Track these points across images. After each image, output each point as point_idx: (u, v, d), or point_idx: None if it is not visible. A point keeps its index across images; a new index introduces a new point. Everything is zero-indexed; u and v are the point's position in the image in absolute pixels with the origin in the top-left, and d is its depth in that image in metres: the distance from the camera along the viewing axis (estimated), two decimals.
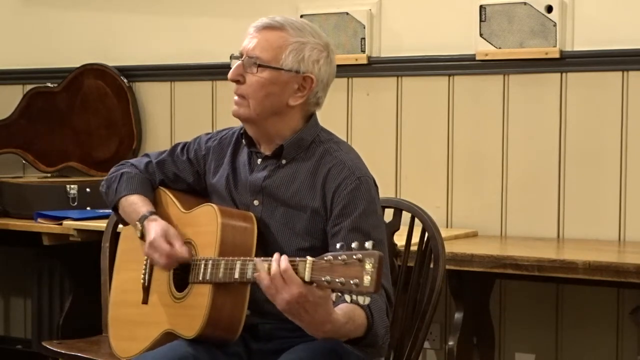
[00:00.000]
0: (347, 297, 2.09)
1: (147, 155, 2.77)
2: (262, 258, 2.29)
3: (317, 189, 2.47)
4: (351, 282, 2.06)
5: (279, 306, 2.19)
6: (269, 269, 2.20)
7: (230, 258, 2.37)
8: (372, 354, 2.44)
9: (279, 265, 2.18)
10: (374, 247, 2.09)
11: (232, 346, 2.48)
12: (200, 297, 2.43)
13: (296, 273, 2.16)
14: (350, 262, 2.07)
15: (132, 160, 2.78)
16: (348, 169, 2.46)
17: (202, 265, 2.43)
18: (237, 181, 2.59)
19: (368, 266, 2.05)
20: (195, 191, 2.67)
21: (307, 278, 2.14)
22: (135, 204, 2.63)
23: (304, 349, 2.41)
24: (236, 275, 2.34)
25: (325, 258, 2.12)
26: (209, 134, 2.72)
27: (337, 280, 2.08)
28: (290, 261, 2.19)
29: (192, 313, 2.44)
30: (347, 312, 2.26)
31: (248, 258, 2.34)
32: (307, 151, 2.52)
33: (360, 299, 2.08)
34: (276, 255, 2.21)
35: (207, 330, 2.40)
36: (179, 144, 2.73)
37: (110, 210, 2.84)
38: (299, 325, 2.23)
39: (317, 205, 2.46)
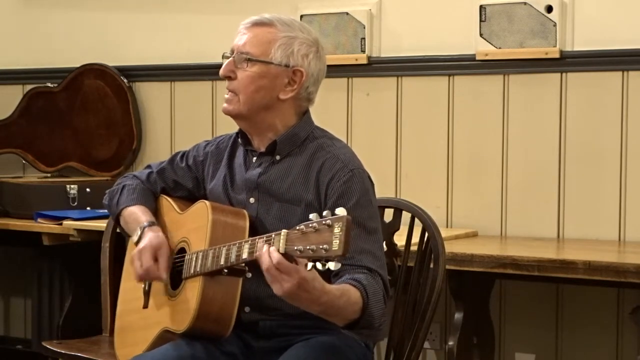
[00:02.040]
0: (319, 265, 2.09)
1: (149, 166, 2.81)
2: (245, 239, 2.31)
3: (311, 183, 2.49)
4: (321, 247, 2.07)
5: (277, 293, 2.18)
6: (260, 257, 2.19)
7: (218, 246, 2.39)
8: (369, 337, 2.44)
9: (270, 257, 2.16)
10: (347, 212, 2.08)
11: (230, 345, 2.49)
12: (191, 290, 2.45)
13: (271, 247, 2.16)
14: (321, 228, 2.08)
15: (135, 173, 2.81)
16: (341, 162, 2.48)
17: (193, 259, 2.46)
18: (234, 182, 2.61)
19: (337, 230, 2.06)
20: (196, 197, 2.69)
21: (281, 250, 2.14)
22: (135, 213, 2.66)
23: (304, 346, 2.42)
24: (222, 262, 2.35)
25: (297, 228, 2.13)
26: (207, 141, 2.75)
27: (308, 247, 2.09)
28: (267, 237, 2.20)
29: (183, 307, 2.46)
30: (341, 287, 2.27)
31: (232, 242, 2.35)
32: (301, 147, 2.54)
33: (332, 265, 2.07)
34: (265, 247, 2.19)
35: (198, 323, 2.41)
36: (178, 152, 2.77)
37: None
38: (295, 305, 2.22)
39: (311, 198, 2.48)
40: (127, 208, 2.69)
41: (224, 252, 2.36)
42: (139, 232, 2.58)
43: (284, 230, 2.15)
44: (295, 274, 2.14)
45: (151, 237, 2.55)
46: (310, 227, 2.10)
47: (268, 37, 2.51)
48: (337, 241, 2.05)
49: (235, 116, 2.55)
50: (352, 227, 2.07)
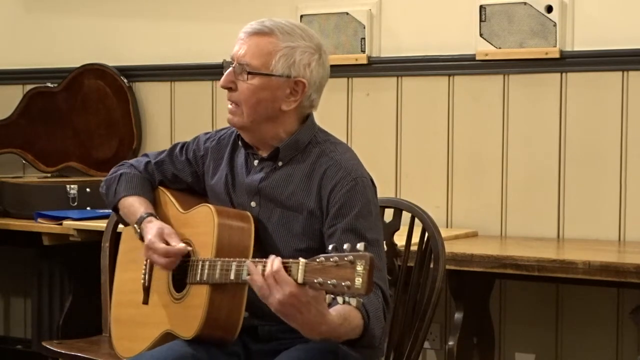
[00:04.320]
0: (340, 299, 2.09)
1: (146, 155, 2.77)
2: (255, 259, 2.29)
3: (313, 190, 2.47)
4: (343, 284, 2.06)
5: (272, 307, 2.18)
6: (263, 270, 2.20)
7: (227, 259, 2.37)
8: (369, 356, 2.44)
9: (271, 266, 2.17)
10: (366, 248, 2.08)
11: (231, 346, 2.48)
12: (198, 297, 2.43)
13: (289, 275, 2.15)
14: (342, 264, 2.07)
15: (132, 161, 2.78)
16: (344, 170, 2.45)
17: (200, 266, 2.43)
18: (235, 183, 2.59)
19: (359, 268, 2.05)
20: (195, 191, 2.67)
21: (300, 280, 2.13)
22: (133, 205, 2.63)
23: (301, 349, 2.41)
24: (232, 277, 2.34)
25: (317, 260, 2.11)
26: (207, 133, 2.71)
27: (329, 282, 2.08)
28: (284, 262, 2.18)
29: (190, 313, 2.44)
30: (342, 313, 2.24)
31: (244, 259, 2.34)
32: (303, 153, 2.51)
33: (353, 301, 2.08)
34: (271, 256, 2.21)
35: (205, 331, 2.41)
36: (178, 143, 2.73)
37: (110, 211, 2.85)
38: (294, 327, 2.22)
39: (313, 206, 2.46)
40: (125, 198, 2.66)
41: (234, 267, 2.34)
42: (138, 229, 2.56)
43: (302, 260, 2.14)
44: (286, 287, 2.13)
45: (151, 228, 2.52)
46: (331, 261, 2.08)
47: (269, 48, 2.45)
48: (360, 280, 2.04)
49: (240, 128, 2.53)
50: (374, 266, 2.06)
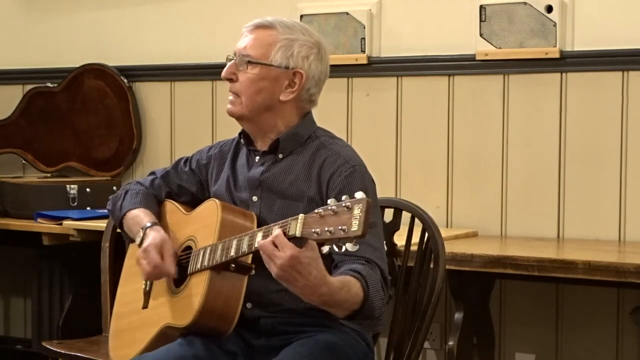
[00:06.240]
0: (336, 248, 2.11)
1: (153, 172, 2.83)
2: (256, 229, 2.35)
3: (313, 179, 2.52)
4: (339, 228, 2.09)
5: (273, 272, 2.21)
6: (265, 236, 2.24)
7: (228, 239, 2.41)
8: (369, 327, 2.46)
9: (270, 235, 2.22)
10: (364, 195, 2.11)
11: (231, 344, 2.49)
12: (197, 285, 2.45)
13: (288, 231, 2.19)
14: (340, 211, 2.11)
15: (139, 180, 2.84)
16: (342, 158, 2.52)
17: (201, 254, 2.47)
18: (237, 182, 2.63)
19: (356, 211, 2.08)
20: (200, 202, 2.70)
21: (298, 234, 2.16)
22: (138, 216, 2.68)
23: (302, 344, 2.44)
24: (232, 253, 2.37)
25: (316, 211, 2.15)
26: (210, 145, 2.78)
27: (326, 229, 2.11)
28: (282, 223, 2.22)
29: (188, 302, 2.47)
30: (341, 279, 2.29)
31: (244, 234, 2.37)
32: (303, 145, 2.58)
33: (349, 247, 2.09)
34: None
35: (202, 319, 2.42)
36: (182, 158, 2.80)
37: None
38: (294, 292, 2.24)
39: (313, 193, 2.51)
40: (130, 211, 2.70)
41: (234, 243, 2.38)
42: (141, 234, 2.59)
43: (301, 215, 2.18)
44: (287, 250, 2.17)
45: (154, 235, 2.56)
46: (329, 209, 2.12)
47: (269, 40, 2.54)
48: (357, 222, 2.07)
49: (239, 118, 2.59)
50: (371, 209, 2.08)
